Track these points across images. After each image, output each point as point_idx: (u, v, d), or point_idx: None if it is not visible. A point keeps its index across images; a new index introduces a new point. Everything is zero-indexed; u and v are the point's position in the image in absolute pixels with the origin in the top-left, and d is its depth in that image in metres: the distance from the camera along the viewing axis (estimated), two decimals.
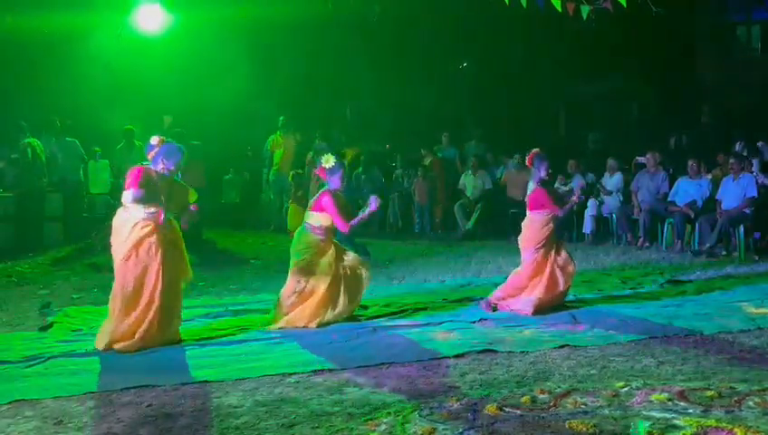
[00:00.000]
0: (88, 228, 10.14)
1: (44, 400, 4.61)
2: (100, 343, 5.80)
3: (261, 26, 13.74)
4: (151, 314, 5.81)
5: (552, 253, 7.00)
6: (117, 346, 5.74)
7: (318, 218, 6.57)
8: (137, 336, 5.77)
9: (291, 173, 13.01)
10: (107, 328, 5.84)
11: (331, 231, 6.64)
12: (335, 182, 6.65)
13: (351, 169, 13.83)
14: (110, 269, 8.50)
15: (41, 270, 9.72)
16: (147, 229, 5.84)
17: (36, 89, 12.86)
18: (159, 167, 5.97)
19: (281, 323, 6.41)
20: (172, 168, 6.01)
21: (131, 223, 5.84)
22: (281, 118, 13.63)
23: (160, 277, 5.82)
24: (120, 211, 5.96)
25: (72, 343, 6.04)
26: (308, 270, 6.52)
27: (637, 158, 12.05)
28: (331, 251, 6.58)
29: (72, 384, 4.91)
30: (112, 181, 12.52)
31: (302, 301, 6.49)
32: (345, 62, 15.70)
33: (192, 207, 6.21)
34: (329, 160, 6.66)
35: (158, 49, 13.18)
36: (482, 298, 7.22)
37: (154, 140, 6.03)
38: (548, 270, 6.95)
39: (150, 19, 12.62)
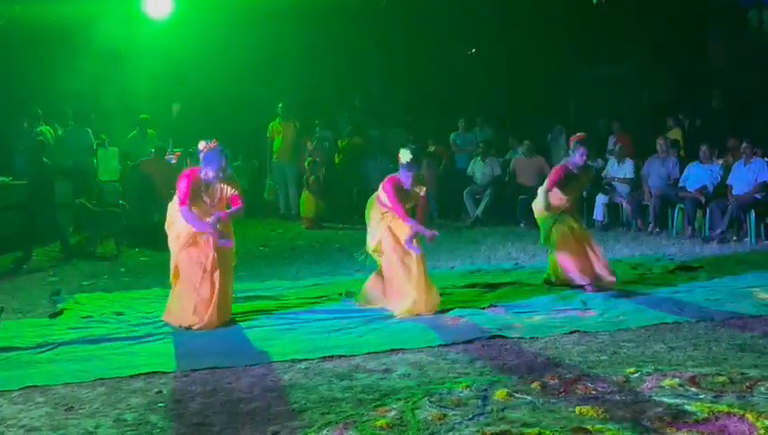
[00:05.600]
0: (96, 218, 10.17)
1: (55, 386, 4.64)
2: (173, 321, 6.14)
3: (268, 12, 13.66)
4: (216, 297, 6.05)
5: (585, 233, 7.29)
6: (195, 327, 6.01)
7: (383, 196, 6.58)
8: (206, 317, 6.02)
9: (308, 160, 12.97)
10: (175, 308, 6.16)
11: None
12: (404, 176, 6.48)
13: (357, 158, 13.80)
14: (117, 257, 8.58)
15: (51, 257, 9.75)
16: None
17: (45, 77, 12.85)
18: (204, 174, 6.10)
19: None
20: (212, 174, 6.08)
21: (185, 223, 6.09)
22: (279, 105, 13.56)
23: (216, 264, 6.07)
24: (174, 201, 6.18)
25: (83, 329, 6.07)
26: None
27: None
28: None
29: (83, 370, 4.94)
30: (121, 169, 12.53)
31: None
32: (354, 48, 15.62)
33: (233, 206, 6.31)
34: (405, 155, 6.47)
35: (166, 36, 13.15)
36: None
37: (200, 145, 6.16)
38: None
39: (158, 5, 12.58)
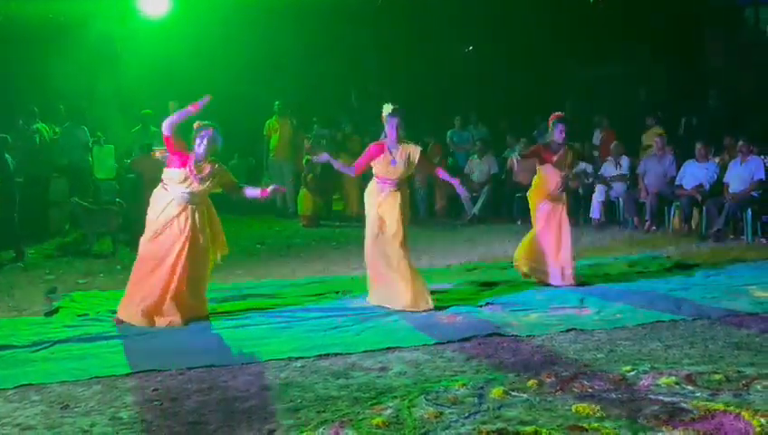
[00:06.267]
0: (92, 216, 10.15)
1: (50, 384, 4.62)
2: (124, 315, 6.07)
3: (266, 11, 13.64)
4: (174, 287, 6.00)
5: (566, 222, 7.29)
6: (158, 321, 6.00)
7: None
8: (164, 309, 6.00)
9: (305, 158, 12.96)
10: (125, 300, 6.11)
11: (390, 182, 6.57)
12: (389, 129, 6.52)
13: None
14: (113, 255, 8.56)
15: (46, 255, 9.72)
16: (179, 207, 6.09)
17: (41, 74, 12.82)
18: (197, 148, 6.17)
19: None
20: (197, 145, 6.13)
21: (167, 200, 6.11)
22: (276, 103, 13.55)
23: (185, 253, 6.04)
24: (158, 188, 6.22)
25: (78, 327, 6.04)
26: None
27: None
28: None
29: (78, 369, 4.92)
30: (117, 166, 12.51)
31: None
32: (350, 46, 15.60)
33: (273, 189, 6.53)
34: (387, 107, 6.54)
35: (163, 34, 13.12)
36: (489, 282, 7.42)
37: (195, 124, 6.25)
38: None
39: (154, 4, 12.55)
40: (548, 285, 7.24)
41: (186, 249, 6.05)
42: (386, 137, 6.56)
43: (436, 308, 6.38)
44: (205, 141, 6.12)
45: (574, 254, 7.40)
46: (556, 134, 7.39)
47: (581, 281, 7.34)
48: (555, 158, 7.37)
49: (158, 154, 11.95)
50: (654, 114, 12.88)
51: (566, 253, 7.26)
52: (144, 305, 5.99)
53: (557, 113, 7.51)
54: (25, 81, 12.75)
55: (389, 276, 6.44)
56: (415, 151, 6.55)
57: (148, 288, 6.03)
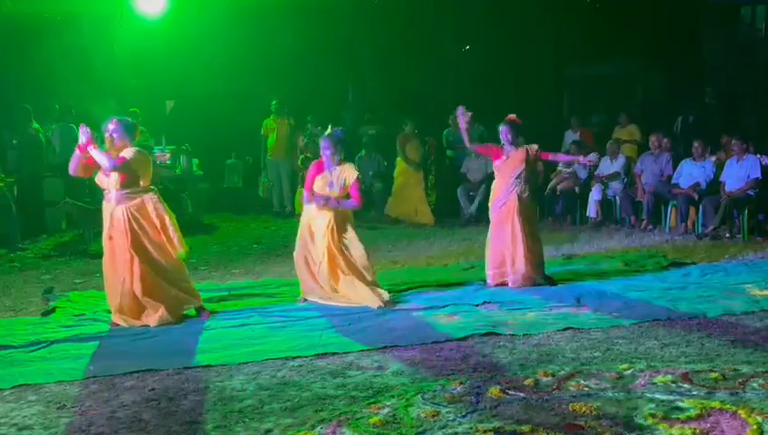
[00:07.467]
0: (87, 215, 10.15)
1: (47, 384, 4.63)
2: (114, 318, 6.13)
3: (262, 9, 13.64)
4: (139, 284, 6.00)
5: (517, 224, 7.16)
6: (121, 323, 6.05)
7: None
8: (144, 305, 6.05)
9: (300, 157, 12.95)
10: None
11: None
12: (324, 153, 6.82)
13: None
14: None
15: (43, 255, 9.71)
16: (112, 211, 6.13)
17: (36, 73, 12.80)
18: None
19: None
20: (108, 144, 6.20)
21: (107, 209, 6.20)
22: (273, 101, 13.54)
23: (133, 250, 6.02)
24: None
25: (75, 327, 6.06)
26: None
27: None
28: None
29: (75, 369, 4.93)
30: None
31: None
32: (348, 45, 15.61)
33: None
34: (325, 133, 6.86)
35: (159, 33, 13.11)
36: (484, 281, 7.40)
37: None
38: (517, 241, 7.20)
39: (150, 2, 12.53)
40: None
41: (132, 246, 6.04)
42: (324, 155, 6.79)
43: (434, 307, 6.39)
44: (110, 137, 6.18)
45: (533, 256, 7.21)
46: (501, 136, 7.31)
47: (553, 281, 7.32)
48: (501, 160, 7.30)
49: (160, 159, 11.96)
50: (628, 112, 12.88)
51: (519, 255, 7.15)
52: (115, 304, 6.05)
53: (510, 116, 7.42)
54: (22, 80, 12.72)
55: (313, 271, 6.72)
56: (351, 175, 6.75)
57: (114, 287, 6.08)
